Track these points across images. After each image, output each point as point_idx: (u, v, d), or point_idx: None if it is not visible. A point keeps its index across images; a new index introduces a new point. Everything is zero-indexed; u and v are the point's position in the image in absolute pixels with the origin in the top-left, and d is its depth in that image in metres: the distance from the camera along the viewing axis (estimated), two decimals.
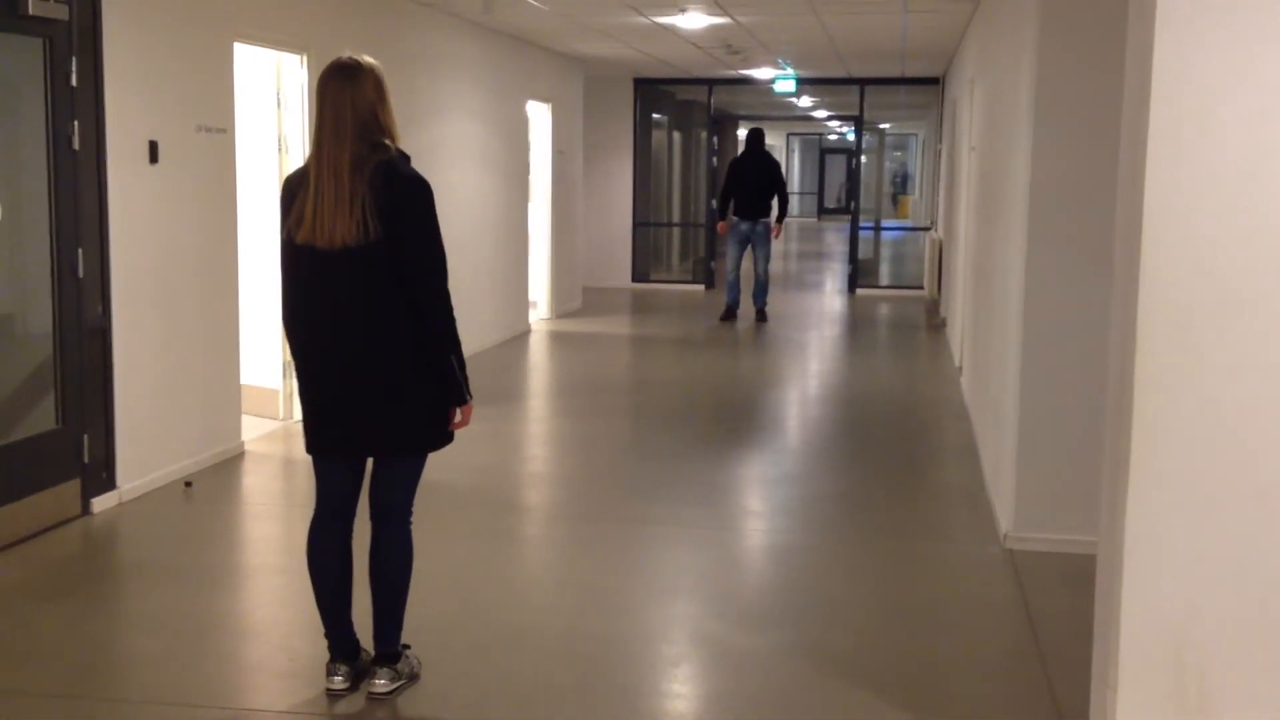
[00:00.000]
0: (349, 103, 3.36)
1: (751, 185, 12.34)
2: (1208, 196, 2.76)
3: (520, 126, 11.45)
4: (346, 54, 3.47)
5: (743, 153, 12.67)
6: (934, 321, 12.55)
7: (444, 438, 3.59)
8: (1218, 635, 2.87)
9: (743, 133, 25.74)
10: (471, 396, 3.58)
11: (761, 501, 6.12)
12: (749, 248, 12.43)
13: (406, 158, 3.47)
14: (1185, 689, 2.89)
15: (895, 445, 7.25)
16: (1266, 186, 2.75)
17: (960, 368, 9.05)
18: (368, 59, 3.47)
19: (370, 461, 3.62)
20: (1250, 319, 2.78)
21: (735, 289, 12.49)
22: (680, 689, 3.86)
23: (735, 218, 12.32)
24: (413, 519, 3.66)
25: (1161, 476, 2.84)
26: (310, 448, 3.60)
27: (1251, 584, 2.85)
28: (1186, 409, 2.81)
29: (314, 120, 3.46)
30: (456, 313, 3.52)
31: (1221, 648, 2.87)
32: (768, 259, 12.58)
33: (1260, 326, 2.78)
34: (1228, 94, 2.74)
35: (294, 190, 3.44)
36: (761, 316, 12.44)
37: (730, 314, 12.39)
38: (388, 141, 3.41)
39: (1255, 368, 2.79)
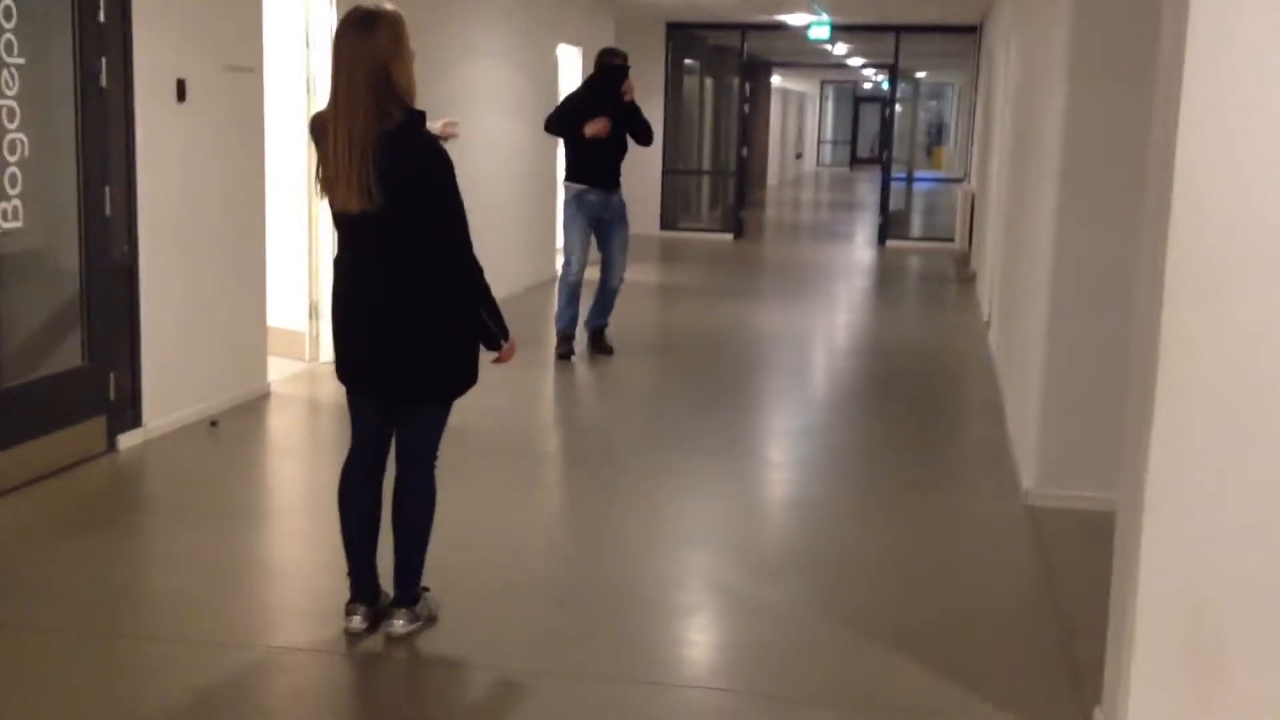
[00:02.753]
0: (362, 60, 3.25)
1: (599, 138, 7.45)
2: (1239, 156, 2.72)
3: (550, 70, 11.37)
4: (367, 1, 3.35)
5: (587, 82, 7.97)
6: (964, 275, 12.46)
7: (461, 386, 3.59)
8: (1234, 595, 2.86)
9: (778, 80, 25.41)
10: (508, 338, 3.58)
11: (782, 453, 6.12)
12: (597, 233, 7.70)
13: (421, 116, 3.37)
14: (1201, 648, 2.89)
15: (920, 399, 7.22)
16: None
17: (988, 322, 8.99)
18: (388, 6, 3.35)
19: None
20: (1277, 280, 2.74)
21: (574, 304, 7.71)
22: (696, 637, 3.88)
23: (577, 185, 7.59)
24: (436, 464, 3.68)
25: (1183, 436, 2.82)
26: (340, 376, 3.64)
27: (1270, 545, 2.83)
28: (1211, 370, 2.79)
29: (331, 74, 3.33)
30: (483, 260, 3.50)
31: (1238, 608, 2.86)
32: (625, 252, 7.80)
33: None
34: (1263, 53, 2.68)
35: (320, 132, 3.39)
36: (599, 343, 7.82)
37: (569, 343, 7.71)
38: (400, 104, 3.30)
39: None
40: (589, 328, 7.84)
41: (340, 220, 3.46)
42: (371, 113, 3.26)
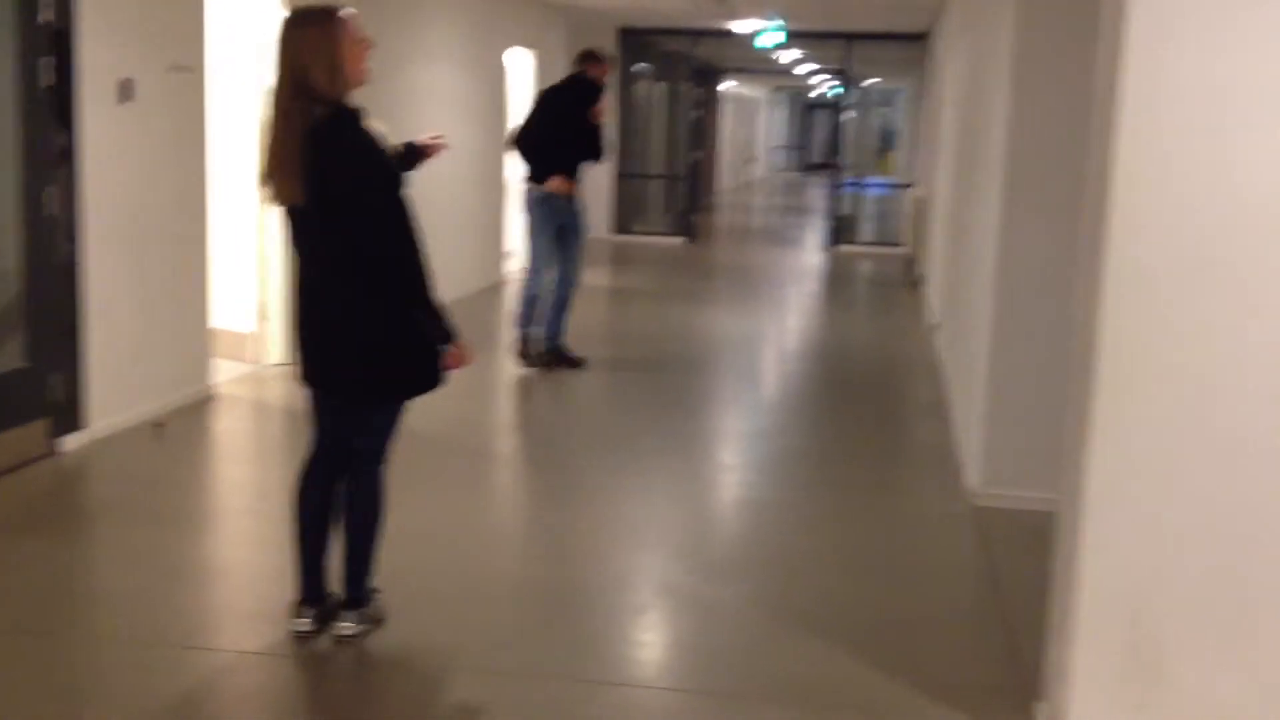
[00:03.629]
0: (290, 56, 3.31)
1: (548, 134, 7.39)
2: (1178, 159, 2.77)
3: (499, 74, 11.35)
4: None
5: (555, 89, 7.80)
6: (912, 278, 12.57)
7: (416, 388, 3.56)
8: (1173, 594, 2.91)
9: (730, 86, 25.51)
10: (455, 339, 3.50)
11: (733, 455, 6.14)
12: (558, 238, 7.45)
13: (354, 115, 3.35)
14: (1140, 646, 2.93)
15: (868, 401, 7.28)
16: (1234, 151, 2.75)
17: (936, 325, 9.07)
18: (325, 5, 3.37)
19: None
20: (1216, 282, 2.79)
21: (537, 303, 7.48)
22: (646, 637, 3.89)
23: (542, 188, 7.37)
24: (384, 465, 3.65)
25: (1122, 437, 2.86)
26: (299, 376, 3.65)
27: (1209, 544, 2.88)
28: (1149, 370, 2.83)
29: (275, 72, 3.38)
30: (435, 263, 3.47)
31: (1178, 607, 2.91)
32: (580, 254, 7.56)
33: (1225, 289, 2.79)
34: (1200, 57, 2.73)
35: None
36: (554, 355, 7.48)
37: (529, 344, 7.46)
38: (323, 101, 3.30)
39: (1219, 330, 2.80)
40: (549, 346, 7.45)
41: (285, 216, 3.48)
42: (294, 108, 3.30)
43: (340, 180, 3.32)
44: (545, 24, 12.76)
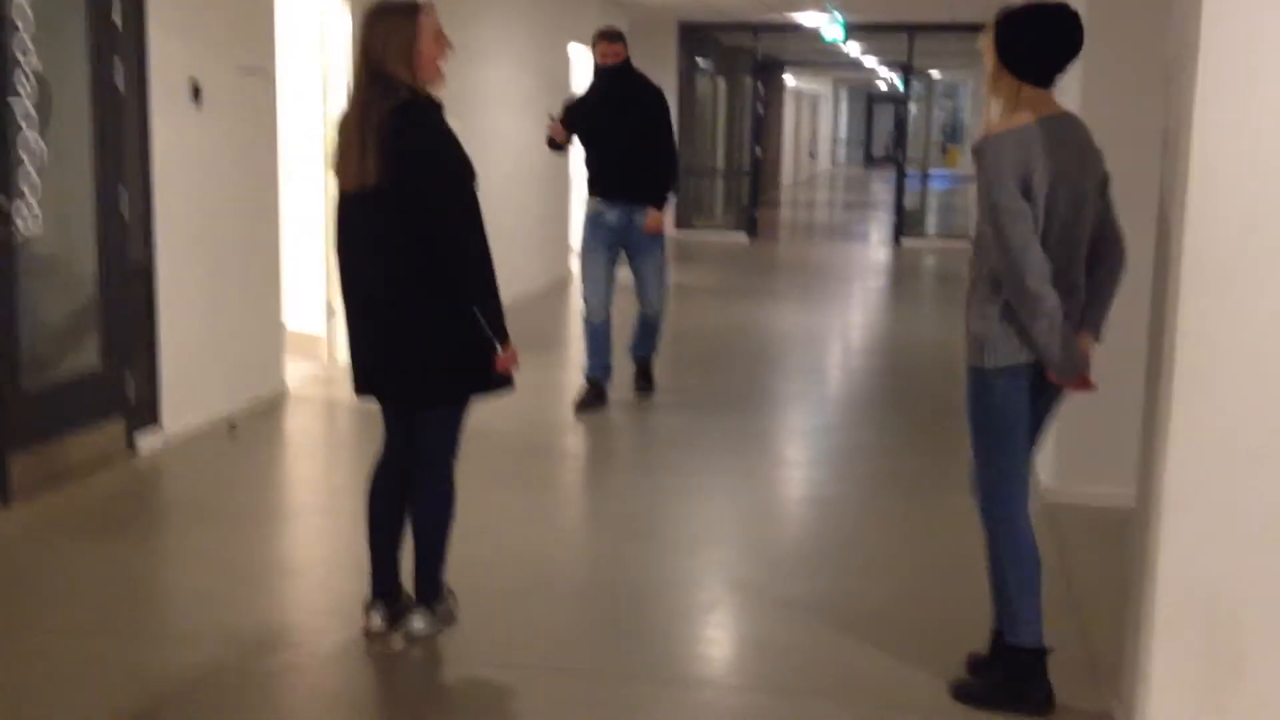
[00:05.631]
0: (370, 44, 3.37)
1: (615, 139, 6.37)
2: (1252, 151, 2.71)
3: (562, 69, 11.38)
4: None
5: (598, 80, 6.51)
6: None
7: (483, 387, 3.55)
8: (1252, 593, 2.85)
9: (791, 80, 25.41)
10: (507, 344, 3.47)
11: (799, 451, 6.11)
12: (621, 256, 6.53)
13: (435, 104, 3.42)
14: (1218, 644, 2.88)
15: (936, 397, 7.21)
16: None
17: None
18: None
19: None
20: None
21: (604, 342, 6.52)
22: (713, 634, 3.88)
23: (599, 202, 6.45)
24: (453, 464, 3.66)
25: (1199, 433, 2.81)
26: (355, 389, 3.64)
27: None
28: (1226, 365, 2.78)
29: (355, 58, 3.48)
30: (497, 261, 3.49)
31: (1256, 606, 2.85)
32: (661, 276, 6.57)
33: None
34: (1275, 49, 2.67)
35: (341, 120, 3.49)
36: (644, 379, 6.80)
37: (597, 394, 6.52)
38: (402, 87, 3.35)
39: None
40: (632, 354, 6.80)
41: (344, 203, 3.45)
42: (373, 94, 3.36)
43: (419, 163, 3.34)
44: (606, 18, 12.75)
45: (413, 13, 3.41)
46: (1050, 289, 2.99)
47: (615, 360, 6.62)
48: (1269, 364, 2.77)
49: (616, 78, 6.40)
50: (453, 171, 3.40)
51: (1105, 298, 3.17)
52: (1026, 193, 2.99)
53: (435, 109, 3.43)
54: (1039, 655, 3.25)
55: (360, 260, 3.48)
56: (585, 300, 6.52)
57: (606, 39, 6.44)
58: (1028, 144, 2.99)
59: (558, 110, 6.61)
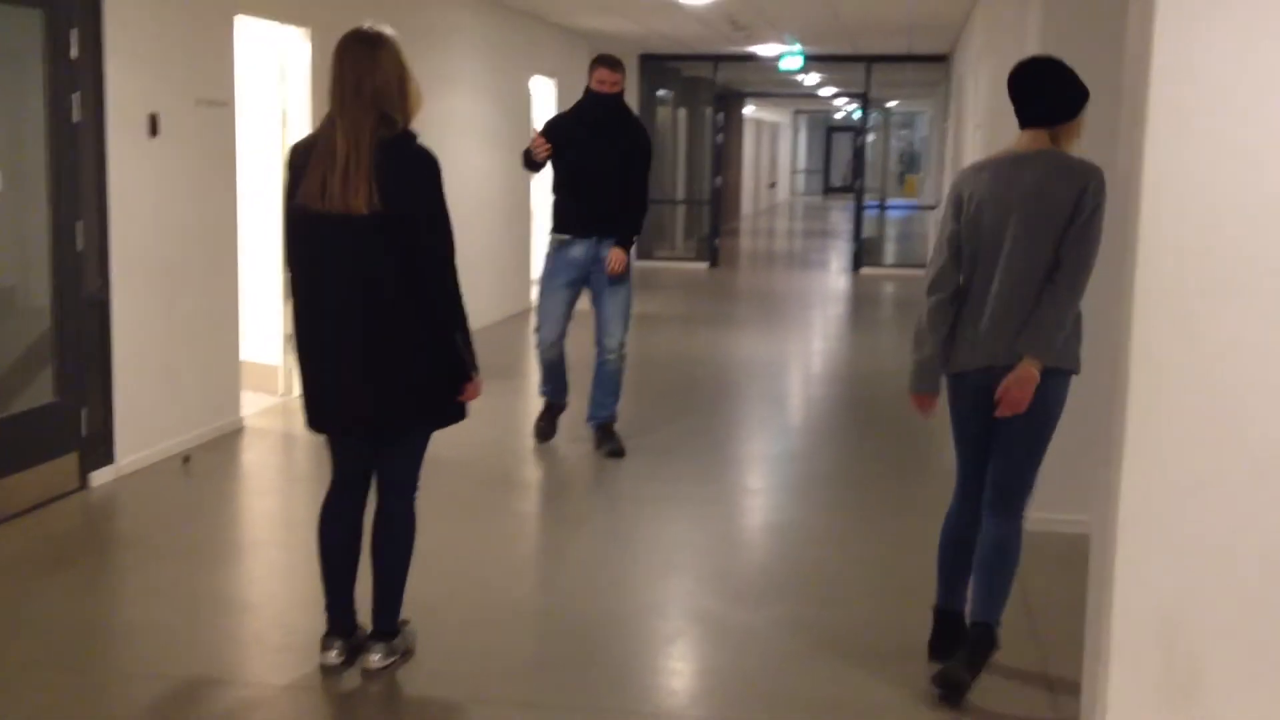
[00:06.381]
0: (370, 72, 3.36)
1: (600, 169, 6.02)
2: (1207, 173, 2.75)
3: (523, 102, 11.41)
4: (368, 24, 3.45)
5: (591, 106, 6.08)
6: None
7: (448, 416, 3.56)
8: (1209, 614, 2.87)
9: (751, 110, 25.56)
10: (478, 371, 3.54)
11: (760, 478, 6.12)
12: (583, 292, 6.19)
13: (414, 135, 3.45)
14: (1175, 667, 2.89)
15: (895, 424, 7.24)
16: (1266, 164, 2.73)
17: None
18: (388, 30, 3.46)
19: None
20: (1247, 299, 2.77)
21: (559, 373, 6.27)
22: (676, 665, 3.86)
23: (562, 235, 6.13)
24: (415, 496, 3.65)
25: (1155, 456, 2.83)
26: (309, 423, 3.59)
27: (1244, 566, 2.84)
28: (1182, 389, 2.80)
29: (332, 86, 3.40)
30: (461, 288, 3.50)
31: (1213, 627, 2.87)
32: (625, 319, 6.16)
33: (1257, 307, 2.76)
34: (1228, 74, 2.71)
35: (303, 157, 3.42)
36: (608, 439, 6.19)
37: (551, 417, 6.36)
38: (399, 117, 3.40)
39: (1252, 348, 2.77)
40: (590, 423, 6.24)
41: (318, 230, 3.38)
42: (376, 120, 3.35)
43: (407, 192, 3.36)
44: (568, 50, 12.82)
45: (396, 43, 3.44)
46: (928, 309, 3.57)
47: (573, 398, 6.40)
48: (1222, 388, 2.80)
49: (612, 108, 6.02)
50: (439, 199, 3.43)
51: (1034, 321, 3.40)
52: (957, 214, 3.50)
53: (415, 139, 3.45)
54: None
55: (335, 287, 3.43)
56: (539, 334, 6.19)
57: (608, 66, 6.00)
58: (978, 170, 3.54)
59: (540, 127, 6.24)
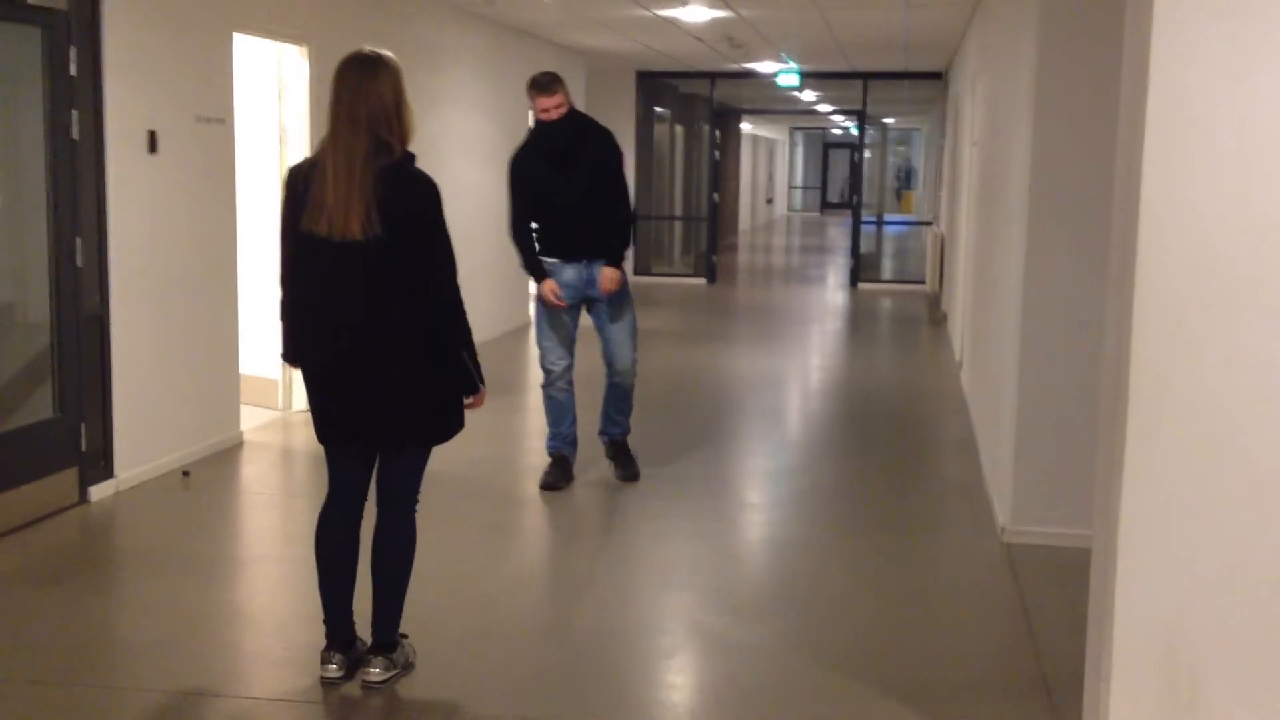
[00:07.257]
0: (367, 96, 3.36)
1: (565, 202, 5.73)
2: (1204, 192, 2.76)
3: (522, 119, 11.43)
4: (367, 47, 3.46)
5: (539, 138, 5.74)
6: (935, 316, 12.54)
7: (450, 429, 3.60)
8: (1210, 630, 2.87)
9: (748, 127, 25.61)
10: (484, 384, 3.60)
11: (760, 494, 6.12)
12: (584, 314, 5.97)
13: (412, 158, 3.47)
14: (1177, 683, 2.89)
15: (895, 439, 7.25)
16: (1263, 183, 2.74)
17: (960, 362, 9.04)
18: (388, 54, 3.47)
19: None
20: (1245, 315, 2.78)
21: (566, 413, 5.95)
22: (675, 679, 3.86)
23: (551, 260, 5.81)
24: (416, 508, 3.67)
25: (1155, 472, 2.84)
26: (320, 437, 3.62)
27: (1244, 580, 2.85)
28: (1181, 405, 2.81)
29: (330, 109, 3.41)
30: (464, 306, 3.53)
31: (1214, 643, 2.87)
32: (632, 338, 5.95)
33: (1255, 323, 2.77)
34: (1224, 91, 2.73)
35: (302, 179, 3.43)
36: (621, 456, 6.06)
37: (562, 470, 5.91)
38: (396, 142, 3.40)
39: (1250, 364, 2.78)
40: (603, 438, 6.09)
41: (318, 251, 3.40)
42: (374, 144, 3.36)
43: (408, 217, 3.38)
44: (566, 69, 12.85)
45: (397, 68, 3.45)
46: None
47: (581, 432, 6.09)
48: (1222, 404, 2.81)
49: (564, 134, 5.58)
50: (441, 221, 3.46)
51: None
52: None
53: (413, 161, 3.48)
54: None
55: (338, 306, 3.45)
56: (545, 368, 5.87)
57: (540, 90, 5.52)
58: None
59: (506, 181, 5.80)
